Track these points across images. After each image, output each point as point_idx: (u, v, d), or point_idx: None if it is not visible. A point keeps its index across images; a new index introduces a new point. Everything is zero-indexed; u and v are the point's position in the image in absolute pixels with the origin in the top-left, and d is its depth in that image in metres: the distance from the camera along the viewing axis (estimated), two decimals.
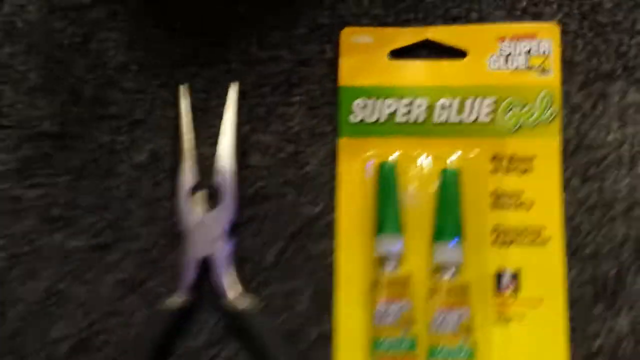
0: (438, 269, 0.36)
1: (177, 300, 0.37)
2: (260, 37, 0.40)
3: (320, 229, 0.38)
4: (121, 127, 0.40)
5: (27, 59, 0.41)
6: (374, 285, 0.36)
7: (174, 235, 0.38)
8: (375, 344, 0.36)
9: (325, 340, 0.37)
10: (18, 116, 0.40)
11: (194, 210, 0.38)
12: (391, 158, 0.38)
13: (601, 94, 0.38)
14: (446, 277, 0.36)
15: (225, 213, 0.38)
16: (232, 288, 0.37)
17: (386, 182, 0.37)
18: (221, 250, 0.37)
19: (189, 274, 0.37)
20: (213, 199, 0.38)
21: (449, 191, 0.37)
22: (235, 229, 0.38)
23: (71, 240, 0.39)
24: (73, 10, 0.41)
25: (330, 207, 0.38)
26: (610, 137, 0.38)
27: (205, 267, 0.37)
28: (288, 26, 0.40)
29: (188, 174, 0.38)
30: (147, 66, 0.41)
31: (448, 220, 0.36)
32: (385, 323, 0.36)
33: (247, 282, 0.38)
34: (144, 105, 0.40)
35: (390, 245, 0.36)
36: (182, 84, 0.40)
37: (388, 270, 0.36)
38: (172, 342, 0.37)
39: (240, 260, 0.38)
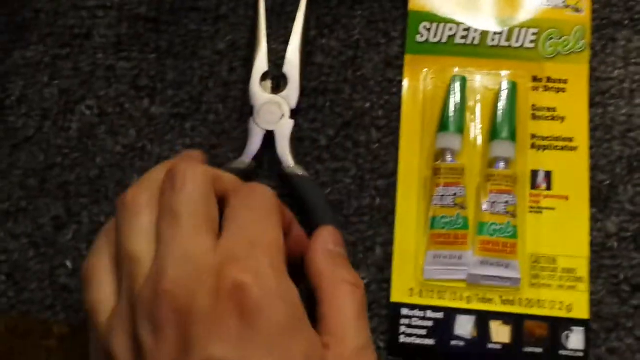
0: (493, 162, 0.43)
1: (242, 162, 0.43)
2: None
3: (368, 121, 0.45)
4: (207, 19, 0.47)
5: None
6: (434, 173, 0.43)
7: (245, 112, 0.45)
8: (433, 222, 0.42)
9: (363, 211, 0.44)
10: (119, 0, 0.47)
11: (264, 91, 0.44)
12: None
13: (610, 38, 0.46)
14: (500, 166, 0.43)
15: (289, 96, 0.44)
16: (290, 158, 0.43)
17: (456, 91, 0.44)
18: (284, 127, 0.44)
19: (255, 143, 0.43)
20: (280, 86, 0.45)
21: (508, 98, 0.44)
22: (297, 113, 0.45)
23: (155, 106, 0.45)
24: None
25: (378, 105, 0.45)
26: (615, 73, 0.46)
27: (269, 140, 0.44)
28: None
29: (262, 61, 0.45)
30: None
31: (506, 122, 0.44)
32: (443, 204, 0.42)
33: (303, 157, 0.44)
34: (229, 4, 0.47)
35: (452, 141, 0.43)
36: None
37: (448, 160, 0.43)
38: None
39: (298, 139, 0.45)
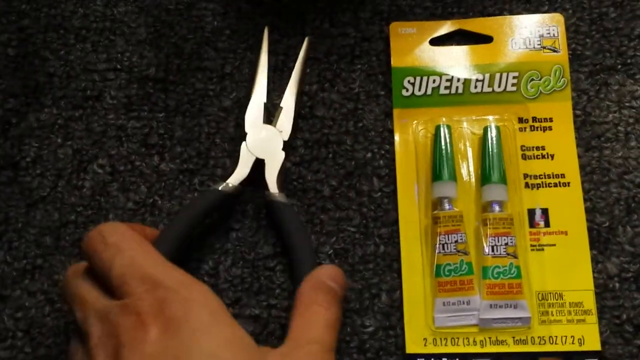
0: (487, 206, 0.44)
1: (229, 185, 0.44)
2: (332, 16, 0.50)
3: (370, 171, 0.47)
4: (213, 78, 0.49)
5: (137, 18, 0.50)
6: (434, 221, 0.44)
7: None
8: (437, 270, 0.44)
9: (368, 259, 0.45)
10: (128, 62, 0.49)
11: (260, 119, 0.46)
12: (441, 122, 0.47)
13: (604, 82, 0.48)
14: (495, 210, 0.44)
15: (284, 128, 0.46)
16: (275, 186, 0.44)
17: (442, 139, 0.46)
18: (276, 157, 0.45)
19: (244, 168, 0.45)
20: (275, 118, 0.46)
21: (493, 143, 0.45)
22: (288, 146, 0.46)
23: (164, 163, 0.47)
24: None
25: (379, 155, 0.47)
26: (609, 117, 0.47)
27: (259, 167, 0.45)
28: (355, 10, 0.50)
29: (261, 92, 0.47)
30: (237, 32, 0.50)
31: (495, 166, 0.45)
32: (446, 252, 0.44)
33: (308, 207, 0.46)
34: (233, 63, 0.49)
35: (447, 189, 0.45)
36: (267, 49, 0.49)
37: (445, 208, 0.44)
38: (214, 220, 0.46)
39: (303, 191, 0.46)
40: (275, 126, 0.46)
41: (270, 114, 0.46)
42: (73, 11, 0.51)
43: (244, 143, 0.45)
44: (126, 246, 0.37)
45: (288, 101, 0.47)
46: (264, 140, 0.45)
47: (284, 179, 0.46)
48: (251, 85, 0.47)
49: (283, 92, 0.47)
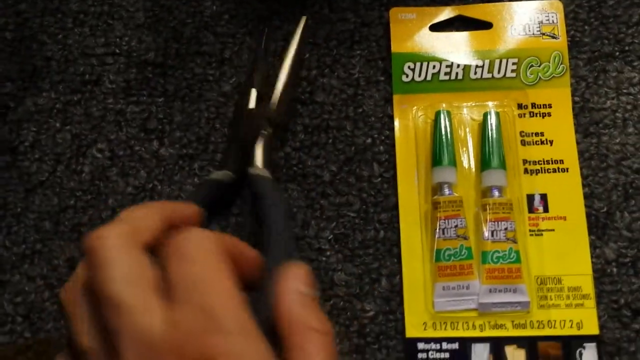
0: (487, 191, 0.45)
1: (222, 174, 0.43)
2: (331, 1, 0.50)
3: (370, 156, 0.47)
4: (212, 63, 0.49)
5: (136, 2, 0.50)
6: (434, 206, 0.44)
7: None
8: (437, 254, 0.44)
9: (368, 244, 0.45)
10: (127, 47, 0.49)
11: (249, 103, 0.44)
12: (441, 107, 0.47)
13: (602, 69, 0.48)
14: (495, 195, 0.44)
15: (272, 108, 0.44)
16: (260, 160, 0.43)
17: (442, 125, 0.46)
18: (264, 136, 0.43)
19: (234, 154, 0.44)
20: (265, 100, 0.45)
21: (493, 128, 0.46)
22: (278, 126, 0.45)
23: (164, 148, 0.47)
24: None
25: (379, 141, 0.47)
26: (607, 104, 0.47)
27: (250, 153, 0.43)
28: None
29: (256, 80, 0.45)
30: (237, 17, 0.50)
31: (494, 151, 0.45)
32: (446, 236, 0.44)
33: (308, 192, 0.46)
34: (232, 48, 0.49)
35: (447, 174, 0.45)
36: (266, 35, 0.49)
37: (445, 194, 0.45)
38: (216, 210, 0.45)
39: (303, 176, 0.46)
40: (264, 109, 0.44)
41: (261, 98, 0.45)
42: None
43: (231, 129, 0.45)
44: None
45: (280, 81, 0.45)
46: (253, 124, 0.44)
47: (269, 155, 0.44)
48: (250, 73, 0.46)
49: (277, 75, 0.46)
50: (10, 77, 0.49)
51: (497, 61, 0.48)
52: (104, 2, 0.50)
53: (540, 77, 0.47)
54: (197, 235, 0.29)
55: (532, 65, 0.47)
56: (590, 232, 0.45)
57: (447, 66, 0.48)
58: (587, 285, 0.43)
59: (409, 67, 0.48)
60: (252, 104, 0.44)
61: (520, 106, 0.47)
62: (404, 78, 0.48)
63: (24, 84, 0.49)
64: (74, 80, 0.49)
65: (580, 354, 0.42)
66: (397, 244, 0.45)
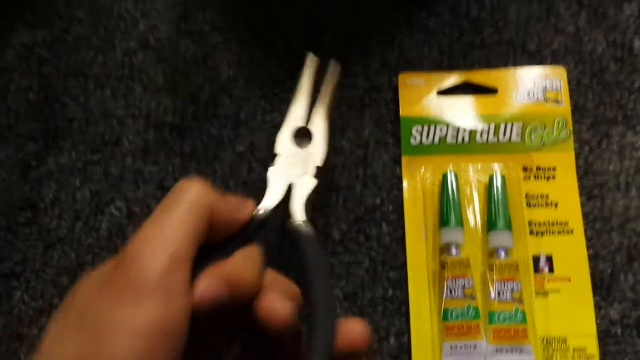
0: (493, 252, 0.46)
1: (259, 211, 0.38)
2: (343, 66, 0.51)
3: (379, 216, 0.48)
4: (227, 124, 0.51)
5: (156, 67, 0.52)
6: (441, 266, 0.46)
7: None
8: (445, 314, 0.45)
9: (376, 302, 0.46)
10: (146, 109, 0.51)
11: (292, 143, 0.42)
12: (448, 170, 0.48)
13: (605, 134, 0.50)
14: (501, 256, 0.45)
15: (315, 153, 0.41)
16: (302, 214, 0.39)
17: (449, 186, 0.47)
18: (306, 183, 0.40)
19: (274, 193, 0.39)
20: (305, 143, 0.42)
21: (499, 191, 0.47)
22: (321, 172, 0.42)
23: None
24: (196, 34, 0.53)
25: (388, 201, 0.48)
26: (611, 167, 0.49)
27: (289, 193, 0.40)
28: (365, 61, 0.52)
29: (297, 116, 0.42)
30: (252, 81, 0.52)
31: (500, 213, 0.46)
32: (453, 296, 0.45)
33: None
34: (248, 110, 0.51)
35: (454, 235, 0.46)
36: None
37: (453, 254, 0.46)
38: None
39: None
40: (307, 149, 0.42)
41: (302, 138, 0.42)
42: (93, 58, 0.53)
43: (271, 168, 0.40)
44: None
45: (318, 125, 0.43)
46: (295, 164, 0.41)
47: (311, 207, 0.41)
48: (290, 102, 0.43)
49: (310, 117, 0.43)
50: (33, 137, 0.51)
51: (503, 125, 0.49)
52: (125, 65, 0.52)
53: (544, 141, 0.49)
54: (185, 185, 0.34)
55: (536, 130, 0.49)
56: (594, 293, 0.46)
57: (453, 129, 0.49)
58: (592, 346, 0.44)
59: (417, 130, 0.50)
60: (295, 141, 0.42)
61: (525, 169, 0.48)
62: (412, 140, 0.49)
63: (47, 144, 0.51)
64: (95, 140, 0.51)
65: None
66: (406, 302, 0.46)
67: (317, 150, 0.42)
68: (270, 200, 0.39)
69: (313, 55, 0.44)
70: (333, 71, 0.44)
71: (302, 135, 0.42)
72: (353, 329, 0.33)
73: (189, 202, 0.33)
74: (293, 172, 0.40)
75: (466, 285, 0.45)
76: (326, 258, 0.44)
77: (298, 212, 0.39)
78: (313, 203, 0.42)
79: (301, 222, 0.39)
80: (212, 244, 0.34)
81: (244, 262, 0.33)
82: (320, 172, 0.41)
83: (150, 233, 0.31)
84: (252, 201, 0.37)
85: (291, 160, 0.41)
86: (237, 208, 0.36)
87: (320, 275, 0.37)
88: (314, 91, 0.44)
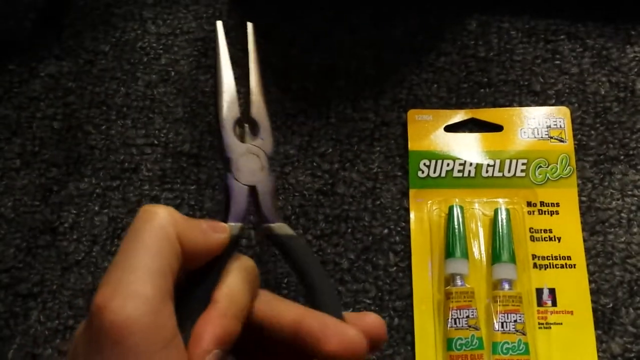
0: (497, 284, 0.47)
1: (235, 227, 0.35)
2: (354, 102, 0.54)
3: (386, 246, 0.49)
4: None
5: (175, 98, 0.54)
6: (446, 297, 0.47)
7: None
8: (449, 344, 0.46)
9: None
10: (165, 138, 0.53)
11: (240, 140, 0.38)
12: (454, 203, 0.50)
13: (608, 172, 0.51)
14: (505, 288, 0.47)
15: (265, 144, 0.38)
16: (276, 217, 0.37)
17: (455, 219, 0.49)
18: (267, 180, 0.37)
19: (239, 203, 0.36)
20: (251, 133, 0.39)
21: (503, 224, 0.48)
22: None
23: None
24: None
25: (395, 232, 0.50)
26: (613, 204, 0.50)
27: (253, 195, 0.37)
28: (376, 97, 0.54)
29: (232, 107, 0.39)
30: None
31: (505, 246, 0.48)
32: (457, 326, 0.46)
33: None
34: None
35: (459, 266, 0.47)
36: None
37: (458, 285, 0.47)
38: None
39: (322, 263, 0.49)
40: (256, 142, 0.38)
41: (244, 128, 0.39)
42: (116, 90, 0.55)
43: (228, 174, 0.37)
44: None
45: (258, 106, 0.40)
46: (249, 163, 0.37)
47: (277, 204, 0.39)
48: (216, 95, 0.40)
49: (243, 98, 0.40)
50: (56, 163, 0.53)
51: (508, 161, 0.51)
52: (147, 97, 0.55)
53: (548, 178, 0.50)
54: (148, 213, 0.32)
55: (540, 166, 0.51)
56: (596, 327, 0.47)
57: (460, 164, 0.51)
58: None
59: (424, 164, 0.51)
60: (243, 138, 0.38)
61: (529, 204, 0.50)
62: (419, 174, 0.51)
63: (68, 170, 0.53)
64: (114, 167, 0.53)
65: None
66: (411, 331, 0.47)
67: (265, 140, 0.38)
68: (238, 213, 0.36)
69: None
70: (251, 34, 0.41)
71: (243, 126, 0.39)
72: (372, 321, 0.33)
73: (154, 235, 0.31)
74: (250, 174, 0.37)
75: (470, 315, 0.46)
76: (313, 255, 0.43)
77: (270, 216, 0.37)
78: (277, 199, 0.41)
79: (278, 225, 0.37)
80: (196, 269, 0.33)
81: (237, 304, 0.32)
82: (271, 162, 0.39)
83: (117, 277, 0.29)
84: (225, 225, 0.34)
85: (244, 161, 0.37)
86: (210, 232, 0.33)
87: (321, 275, 0.37)
88: (234, 63, 0.41)
